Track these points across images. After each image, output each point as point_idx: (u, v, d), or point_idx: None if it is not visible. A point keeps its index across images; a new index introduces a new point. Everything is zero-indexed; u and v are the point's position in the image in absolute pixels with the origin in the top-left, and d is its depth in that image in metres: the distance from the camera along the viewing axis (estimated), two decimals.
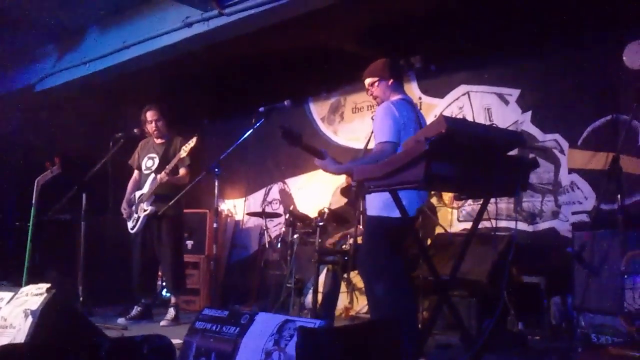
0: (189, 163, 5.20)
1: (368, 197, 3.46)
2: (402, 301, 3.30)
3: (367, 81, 3.68)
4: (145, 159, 5.41)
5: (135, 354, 1.66)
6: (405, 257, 3.52)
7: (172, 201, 4.97)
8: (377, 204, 3.35)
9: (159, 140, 5.42)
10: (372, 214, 3.42)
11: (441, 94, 5.93)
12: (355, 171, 2.96)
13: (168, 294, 5.46)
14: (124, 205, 5.37)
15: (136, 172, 5.52)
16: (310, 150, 3.58)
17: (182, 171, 5.23)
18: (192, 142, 5.06)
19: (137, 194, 5.33)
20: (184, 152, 5.08)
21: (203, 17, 5.11)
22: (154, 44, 5.59)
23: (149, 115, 5.34)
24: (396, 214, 3.08)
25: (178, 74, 6.29)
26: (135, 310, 5.30)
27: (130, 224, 5.32)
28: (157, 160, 5.32)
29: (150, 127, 5.35)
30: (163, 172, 5.08)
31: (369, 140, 3.97)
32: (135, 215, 5.28)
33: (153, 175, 5.23)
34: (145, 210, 5.19)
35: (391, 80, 3.60)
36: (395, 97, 3.56)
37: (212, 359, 2.32)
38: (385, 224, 3.33)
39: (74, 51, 6.42)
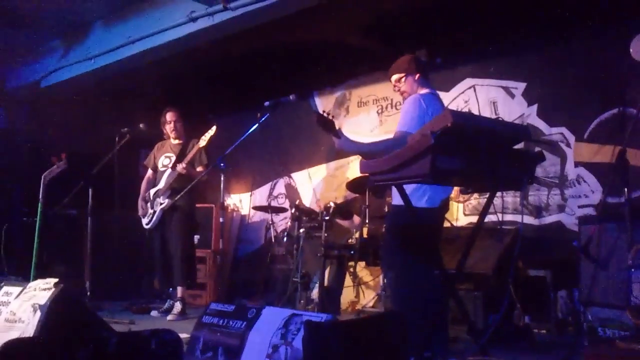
0: (206, 162, 5.26)
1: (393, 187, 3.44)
2: (429, 291, 3.28)
3: (394, 77, 3.63)
4: (162, 158, 5.50)
5: (143, 349, 1.67)
6: (436, 248, 3.44)
7: (184, 190, 5.07)
8: None
9: (176, 141, 5.53)
10: (397, 204, 3.40)
11: (447, 88, 5.90)
12: (362, 165, 2.95)
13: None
14: (140, 203, 5.44)
15: (150, 172, 5.61)
16: (334, 133, 3.54)
17: (199, 168, 5.28)
18: (212, 131, 5.16)
19: (152, 191, 5.40)
20: (203, 141, 5.17)
21: (208, 12, 5.11)
22: (159, 39, 5.60)
23: (169, 116, 5.49)
24: (422, 203, 3.14)
25: (183, 69, 6.29)
26: (168, 303, 5.34)
27: (145, 220, 5.38)
28: (173, 158, 5.41)
29: (170, 128, 5.49)
30: (182, 163, 5.15)
31: None
32: (151, 211, 5.34)
33: (170, 170, 5.28)
34: (162, 204, 5.25)
35: (418, 75, 3.55)
36: (424, 91, 3.54)
37: (219, 353, 2.33)
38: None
39: (79, 47, 6.44)
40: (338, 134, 3.46)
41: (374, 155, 3.70)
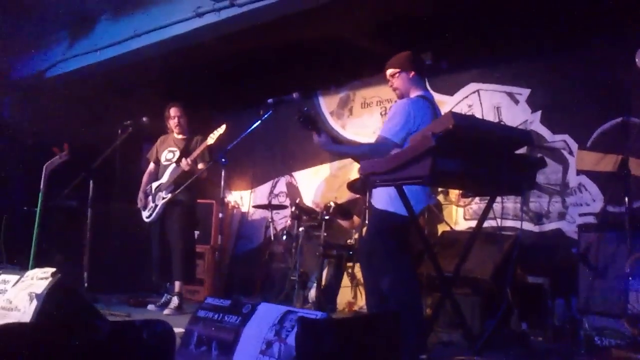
0: (207, 159, 5.25)
1: (375, 189, 3.43)
2: (408, 296, 3.28)
3: (389, 72, 3.58)
4: (165, 152, 5.49)
5: (135, 338, 1.67)
6: (411, 252, 3.49)
7: (184, 185, 5.06)
8: (384, 197, 3.32)
9: (179, 136, 5.52)
10: (379, 208, 3.40)
11: (451, 92, 5.91)
12: (362, 165, 2.95)
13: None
14: (140, 195, 5.42)
15: (152, 165, 5.59)
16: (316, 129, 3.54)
17: (201, 165, 5.27)
18: (221, 130, 5.12)
19: (154, 184, 5.39)
20: (211, 139, 5.14)
21: (214, 8, 5.12)
22: (165, 33, 5.60)
23: (173, 111, 5.47)
24: (403, 210, 3.06)
25: (188, 64, 6.29)
26: (165, 297, 5.34)
27: (146, 214, 5.37)
28: (177, 153, 5.39)
29: (173, 123, 5.48)
30: (187, 159, 5.14)
31: None
32: (152, 204, 5.33)
33: (174, 165, 5.28)
34: (164, 198, 5.24)
35: (412, 73, 3.50)
36: (415, 93, 3.50)
37: (213, 348, 2.32)
38: (391, 219, 3.30)
39: (86, 38, 6.44)
40: (319, 130, 3.44)
41: (355, 158, 3.71)
